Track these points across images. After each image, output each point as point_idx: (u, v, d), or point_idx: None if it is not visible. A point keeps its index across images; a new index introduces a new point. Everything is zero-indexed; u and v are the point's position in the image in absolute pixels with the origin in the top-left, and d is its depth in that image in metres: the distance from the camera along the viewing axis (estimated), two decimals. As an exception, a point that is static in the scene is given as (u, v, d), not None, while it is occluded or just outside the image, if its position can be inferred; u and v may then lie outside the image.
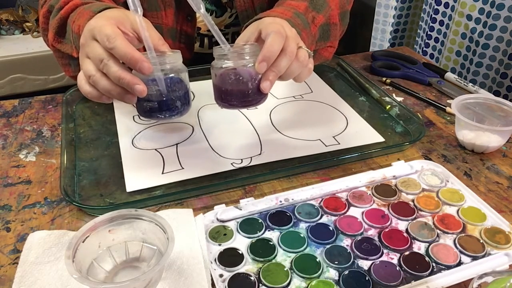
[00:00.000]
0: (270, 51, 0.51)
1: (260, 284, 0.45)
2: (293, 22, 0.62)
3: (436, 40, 1.28)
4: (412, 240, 0.51)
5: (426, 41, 1.31)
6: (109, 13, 0.54)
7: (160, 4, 0.76)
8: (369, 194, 0.57)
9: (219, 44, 0.55)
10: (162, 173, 0.59)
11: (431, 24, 1.28)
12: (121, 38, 0.49)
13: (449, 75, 0.86)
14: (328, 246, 0.50)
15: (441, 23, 1.25)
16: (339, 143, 0.66)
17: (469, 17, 1.14)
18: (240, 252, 0.49)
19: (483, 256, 0.49)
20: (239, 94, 0.54)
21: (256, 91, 0.54)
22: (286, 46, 0.53)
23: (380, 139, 0.68)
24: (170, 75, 0.53)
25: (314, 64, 0.78)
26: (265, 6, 0.78)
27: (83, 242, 0.43)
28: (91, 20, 0.52)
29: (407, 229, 0.52)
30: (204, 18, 0.55)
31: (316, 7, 0.69)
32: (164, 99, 0.54)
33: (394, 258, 0.49)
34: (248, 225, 0.52)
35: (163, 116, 0.55)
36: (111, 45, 0.49)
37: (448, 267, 0.48)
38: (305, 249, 0.50)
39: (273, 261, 0.48)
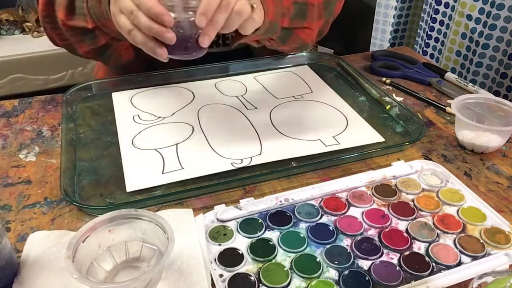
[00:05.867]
0: (207, 4, 0.53)
1: (260, 284, 0.45)
2: None
3: (436, 40, 1.28)
4: (412, 240, 0.51)
5: (426, 41, 1.31)
6: None
7: None
8: (369, 194, 0.57)
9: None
10: (162, 173, 0.59)
11: (431, 24, 1.28)
12: None
13: (449, 75, 0.86)
14: (328, 246, 0.50)
15: (441, 23, 1.25)
16: (339, 143, 0.66)
17: (469, 17, 1.14)
18: (240, 252, 0.49)
19: (483, 256, 0.49)
20: (180, 45, 0.56)
21: (196, 44, 0.56)
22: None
23: (380, 139, 0.68)
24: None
25: (293, 46, 0.78)
26: None
27: (83, 242, 0.43)
28: None
29: (407, 229, 0.52)
30: None
31: None
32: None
33: (394, 258, 0.49)
34: (248, 225, 0.52)
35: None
36: (137, 1, 0.53)
37: (448, 267, 0.48)
38: (305, 249, 0.50)
39: (273, 261, 0.48)
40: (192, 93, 0.78)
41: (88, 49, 0.72)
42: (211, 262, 0.47)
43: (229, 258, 0.48)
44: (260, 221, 0.53)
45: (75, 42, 0.71)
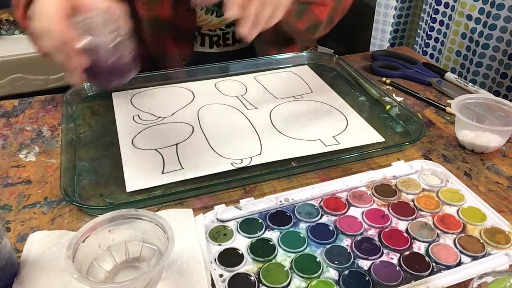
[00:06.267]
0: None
1: (260, 284, 0.45)
2: None
3: (436, 40, 1.28)
4: (412, 240, 0.51)
5: (426, 41, 1.31)
6: None
7: None
8: (369, 194, 0.57)
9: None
10: (162, 173, 0.59)
11: (431, 24, 1.28)
12: (54, 19, 0.48)
13: (449, 75, 0.86)
14: (328, 246, 0.50)
15: (441, 23, 1.25)
16: (339, 143, 0.66)
17: (469, 17, 1.14)
18: (240, 252, 0.49)
19: (483, 256, 0.49)
20: (97, 72, 0.52)
21: (116, 71, 0.52)
22: None
23: (380, 139, 0.68)
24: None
25: (308, 23, 0.77)
26: None
27: (83, 242, 0.43)
28: None
29: (407, 229, 0.52)
30: None
31: None
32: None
33: (394, 258, 0.49)
34: (248, 225, 0.52)
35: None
36: (47, 24, 0.49)
37: (448, 267, 0.48)
38: (305, 249, 0.50)
39: (273, 261, 0.48)
40: (192, 93, 0.78)
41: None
42: (211, 262, 0.47)
43: (229, 258, 0.48)
44: (260, 221, 0.53)
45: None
